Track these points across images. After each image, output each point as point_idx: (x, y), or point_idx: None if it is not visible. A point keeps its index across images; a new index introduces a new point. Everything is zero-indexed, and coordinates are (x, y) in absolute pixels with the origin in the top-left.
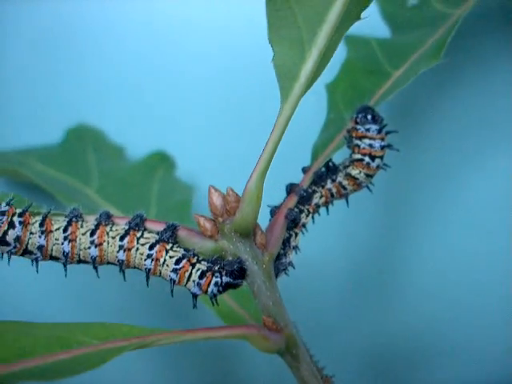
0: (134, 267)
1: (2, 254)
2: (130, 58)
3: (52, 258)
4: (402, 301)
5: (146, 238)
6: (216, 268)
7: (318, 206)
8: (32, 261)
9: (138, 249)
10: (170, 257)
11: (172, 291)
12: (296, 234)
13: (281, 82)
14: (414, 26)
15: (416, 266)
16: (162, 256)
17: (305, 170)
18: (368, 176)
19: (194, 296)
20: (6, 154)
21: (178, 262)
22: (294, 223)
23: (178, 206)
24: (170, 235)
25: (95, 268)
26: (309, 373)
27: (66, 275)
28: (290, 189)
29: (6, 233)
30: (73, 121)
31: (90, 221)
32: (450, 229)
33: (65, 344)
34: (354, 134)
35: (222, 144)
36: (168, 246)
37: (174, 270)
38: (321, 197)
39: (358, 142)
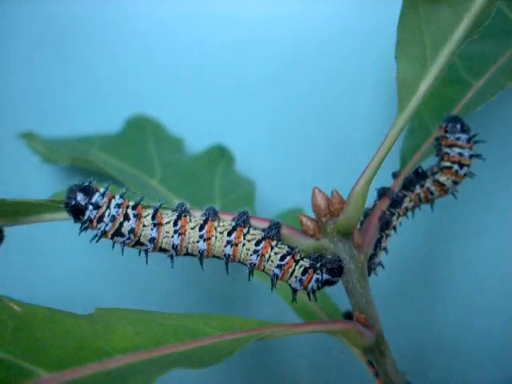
0: (239, 261)
1: (114, 244)
2: (191, 51)
3: (161, 249)
4: (444, 306)
5: (252, 235)
6: (318, 265)
7: (407, 209)
8: (139, 252)
9: (244, 244)
10: (275, 253)
11: (273, 286)
12: (387, 236)
13: (399, 93)
14: (487, 35)
15: (462, 277)
16: (267, 252)
17: (395, 175)
18: (455, 183)
19: (295, 291)
20: (68, 142)
21: (282, 258)
22: (386, 225)
23: (241, 199)
24: (276, 233)
25: (201, 261)
26: (392, 367)
27: (172, 267)
28: (382, 192)
29: (121, 224)
30: (127, 111)
31: (197, 216)
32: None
33: (192, 334)
34: (443, 143)
35: (279, 139)
36: (273, 243)
37: (279, 266)
38: (410, 201)
39: (447, 150)
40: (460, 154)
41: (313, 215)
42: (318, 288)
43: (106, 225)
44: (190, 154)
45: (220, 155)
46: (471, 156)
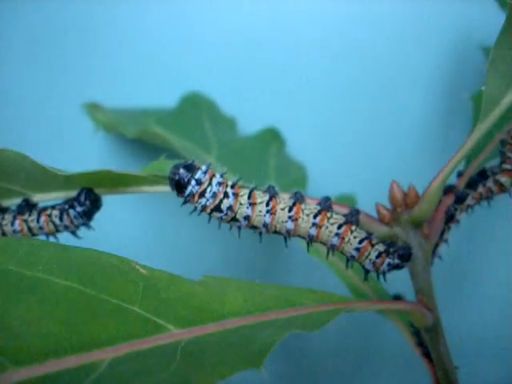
0: (320, 242)
1: (210, 219)
2: (246, 34)
3: (252, 226)
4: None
5: (335, 219)
6: (391, 250)
7: (468, 206)
8: (231, 227)
9: (327, 227)
10: (354, 237)
11: (348, 266)
12: (449, 228)
13: (484, 105)
14: None
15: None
16: (347, 235)
17: (460, 174)
18: None
19: (367, 271)
20: (126, 112)
21: (360, 241)
22: (450, 219)
23: (294, 182)
24: (355, 219)
25: (285, 240)
26: (444, 348)
27: (260, 241)
28: (448, 189)
29: (221, 201)
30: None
31: (286, 198)
32: None
33: (291, 303)
34: (507, 148)
35: (327, 125)
36: (353, 228)
37: (357, 249)
38: (472, 199)
39: (510, 154)
40: None
41: (364, 203)
42: (388, 270)
43: (207, 200)
44: (242, 133)
45: (273, 138)
46: None
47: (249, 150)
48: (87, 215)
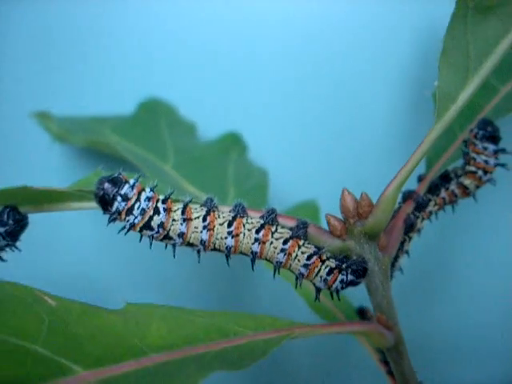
0: (265, 259)
1: (141, 237)
2: (206, 35)
3: (189, 244)
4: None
5: (280, 233)
6: (343, 266)
7: (431, 213)
8: (166, 245)
9: (272, 242)
10: (302, 252)
11: (299, 284)
12: (410, 239)
13: (439, 102)
14: None
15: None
16: (294, 251)
17: (420, 179)
18: (477, 187)
19: (318, 290)
20: (81, 121)
21: (309, 257)
22: (410, 228)
23: (254, 189)
24: (303, 232)
25: (227, 257)
26: (408, 368)
27: (199, 261)
28: (407, 195)
29: (151, 218)
30: (140, 94)
31: (226, 212)
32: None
33: (224, 333)
34: (471, 148)
35: (292, 130)
36: (301, 242)
37: (305, 265)
38: (435, 205)
39: (474, 155)
40: (486, 162)
41: (326, 210)
42: (342, 288)
43: (136, 217)
44: (202, 139)
45: (233, 143)
46: (496, 165)
47: (208, 157)
48: (11, 236)
